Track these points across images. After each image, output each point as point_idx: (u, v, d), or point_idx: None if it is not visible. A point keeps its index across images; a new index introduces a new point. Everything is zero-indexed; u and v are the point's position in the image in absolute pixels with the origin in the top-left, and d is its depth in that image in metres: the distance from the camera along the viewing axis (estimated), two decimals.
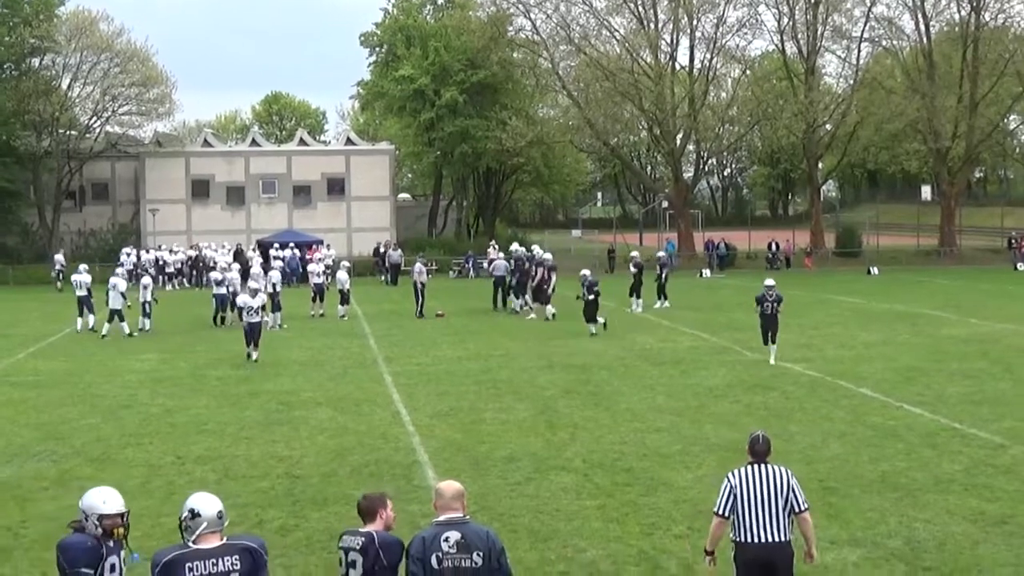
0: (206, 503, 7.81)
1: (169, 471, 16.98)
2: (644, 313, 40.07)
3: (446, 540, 7.97)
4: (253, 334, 29.01)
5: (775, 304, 27.87)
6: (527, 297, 40.11)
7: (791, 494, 9.59)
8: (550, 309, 37.91)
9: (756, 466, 9.74)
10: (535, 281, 39.38)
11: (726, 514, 9.63)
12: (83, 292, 37.50)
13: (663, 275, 42.40)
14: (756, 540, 9.47)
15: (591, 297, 33.83)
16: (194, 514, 7.73)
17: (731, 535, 9.71)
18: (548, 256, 40.70)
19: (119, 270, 42.05)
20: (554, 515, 14.33)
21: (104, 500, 8.12)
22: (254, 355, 28.75)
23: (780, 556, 9.49)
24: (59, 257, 61.06)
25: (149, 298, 37.34)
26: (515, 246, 45.30)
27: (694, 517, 13.97)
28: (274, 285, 38.48)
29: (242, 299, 30.22)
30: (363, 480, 16.19)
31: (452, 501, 8.21)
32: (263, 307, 30.07)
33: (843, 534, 13.30)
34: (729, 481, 9.69)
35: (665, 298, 41.90)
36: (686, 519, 13.98)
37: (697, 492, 15.08)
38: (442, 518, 8.15)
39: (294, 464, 17.35)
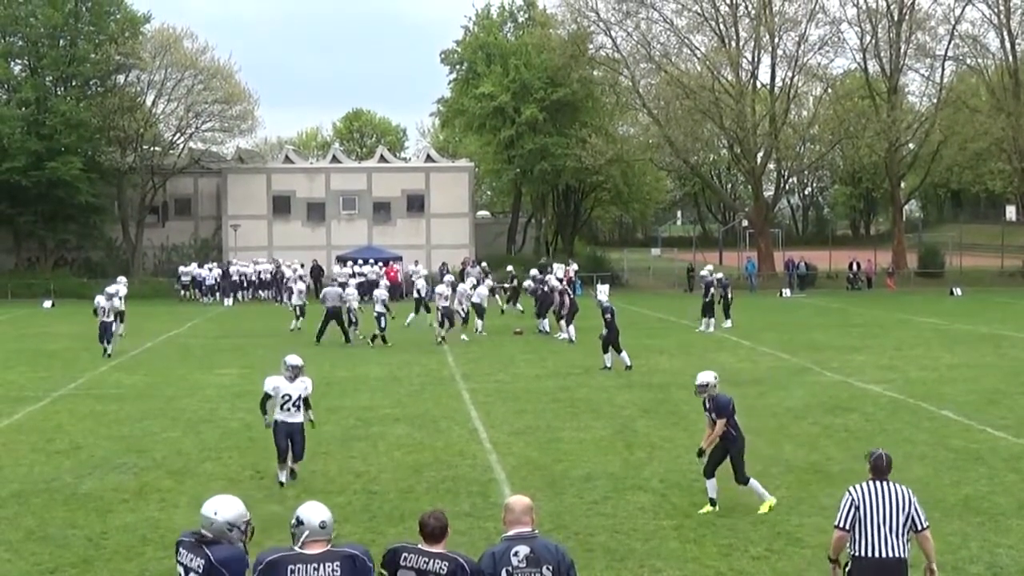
0: (310, 512, 7.99)
1: (248, 485, 17.08)
2: (714, 332, 39.89)
3: (516, 555, 8.01)
4: (294, 443, 17.43)
5: (711, 408, 15.64)
6: (562, 323, 39.53)
7: (913, 512, 9.73)
8: (571, 331, 37.59)
9: (878, 482, 9.87)
10: (556, 306, 38.94)
11: (847, 527, 9.74)
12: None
13: (726, 295, 42.03)
14: (875, 555, 9.60)
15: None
16: (298, 522, 7.94)
17: (849, 549, 9.79)
18: (555, 282, 40.13)
19: (122, 278, 44.96)
20: (631, 535, 14.26)
21: (240, 507, 8.28)
22: (283, 476, 17.34)
23: (898, 572, 9.64)
24: (186, 268, 62.67)
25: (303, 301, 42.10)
26: (533, 272, 45.34)
27: (772, 539, 13.85)
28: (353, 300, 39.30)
29: (272, 383, 17.51)
30: (440, 496, 16.21)
31: (521, 515, 8.23)
32: (306, 401, 17.64)
33: (923, 558, 13.07)
34: (851, 495, 9.82)
35: (711, 317, 41.34)
36: (764, 540, 13.85)
37: (775, 514, 14.93)
38: (511, 533, 8.19)
39: (371, 480, 17.41)
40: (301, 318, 42.27)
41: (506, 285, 55.65)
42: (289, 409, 17.21)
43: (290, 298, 49.56)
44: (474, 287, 41.27)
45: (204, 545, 8.02)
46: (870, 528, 9.61)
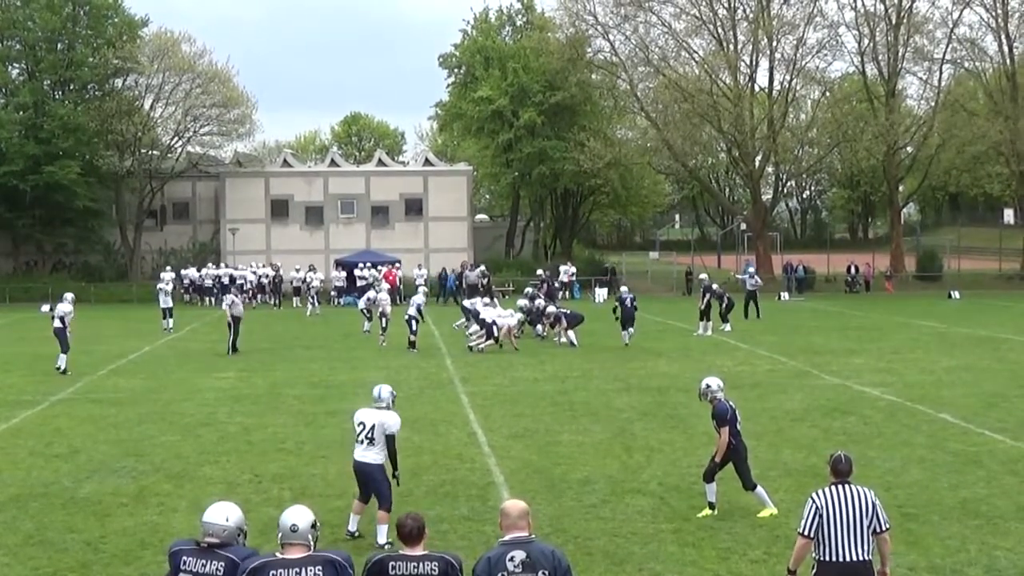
0: (286, 514, 8.12)
1: (246, 489, 17.08)
2: (711, 335, 39.88)
3: (511, 560, 8.00)
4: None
5: None
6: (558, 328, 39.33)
7: (875, 514, 9.72)
8: (572, 336, 37.56)
9: (840, 486, 9.87)
10: (551, 320, 38.86)
11: (811, 534, 9.74)
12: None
13: (722, 302, 41.97)
14: (840, 559, 9.59)
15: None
16: (278, 525, 8.08)
17: (813, 554, 9.80)
18: (552, 309, 39.91)
19: (165, 275, 47.83)
20: (629, 538, 14.25)
21: (241, 512, 8.44)
22: (384, 535, 13.86)
23: (863, 575, 9.61)
24: (210, 272, 63.71)
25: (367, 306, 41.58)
26: (528, 290, 45.26)
27: (771, 542, 13.84)
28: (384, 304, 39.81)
29: (398, 420, 14.44)
30: (438, 500, 16.21)
31: (518, 520, 8.22)
32: None
33: (922, 561, 13.10)
34: (814, 501, 9.80)
35: (709, 321, 41.24)
36: (763, 544, 13.84)
37: (774, 517, 14.91)
38: (507, 537, 8.19)
39: None
40: (369, 320, 41.77)
41: (508, 288, 55.91)
42: None
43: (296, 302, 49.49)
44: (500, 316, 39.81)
45: (218, 549, 8.11)
46: (834, 532, 9.60)
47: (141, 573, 13.14)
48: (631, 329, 37.72)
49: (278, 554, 7.96)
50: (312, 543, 8.01)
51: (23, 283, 67.91)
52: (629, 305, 37.71)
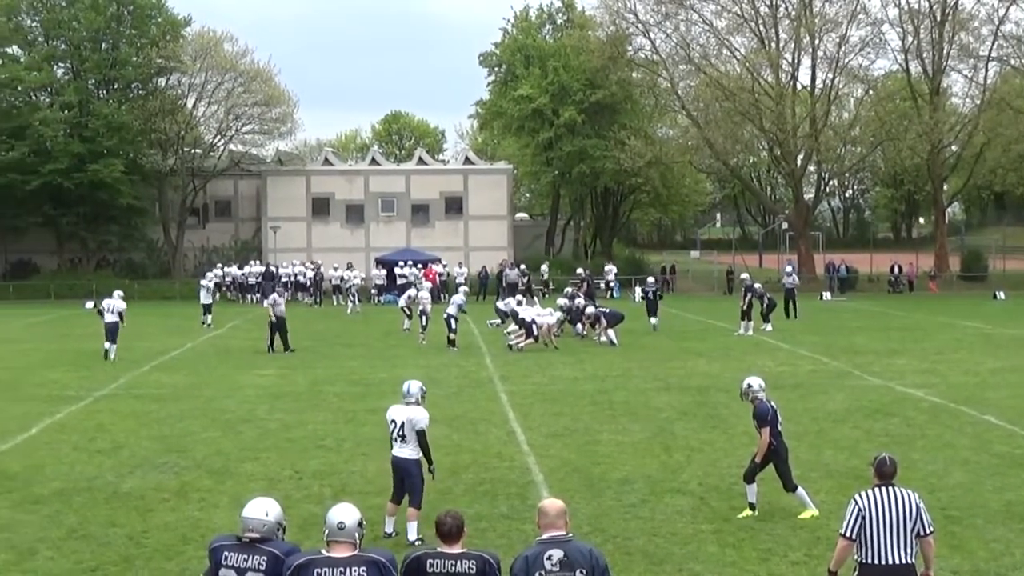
0: (333, 512, 8.14)
1: (287, 485, 17.13)
2: (752, 335, 39.60)
3: (549, 558, 8.01)
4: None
5: None
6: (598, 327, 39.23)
7: (918, 517, 9.62)
8: (611, 334, 37.37)
9: (884, 488, 9.77)
10: (591, 319, 38.73)
11: (853, 536, 9.66)
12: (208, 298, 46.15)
13: (762, 302, 41.62)
14: (882, 562, 9.50)
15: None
16: (324, 522, 8.10)
17: (856, 556, 9.72)
18: (591, 308, 39.61)
19: (210, 273, 50.39)
20: (669, 538, 14.20)
21: (280, 508, 8.53)
22: (415, 532, 14.11)
23: None
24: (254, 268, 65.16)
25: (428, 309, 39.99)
26: (567, 290, 45.15)
27: (812, 544, 13.75)
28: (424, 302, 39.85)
29: (427, 416, 14.48)
30: (478, 498, 16.20)
31: (555, 519, 8.24)
32: None
33: (966, 565, 12.98)
34: (857, 503, 9.71)
35: (750, 321, 40.86)
36: (804, 545, 13.76)
37: (816, 518, 14.82)
38: (545, 536, 8.20)
39: None
40: (409, 318, 41.66)
41: (545, 289, 55.73)
42: None
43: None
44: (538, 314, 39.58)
45: (259, 544, 8.15)
46: (877, 535, 9.52)
47: (183, 568, 13.21)
48: (656, 318, 42.19)
49: (323, 551, 7.99)
50: (358, 541, 8.05)
51: (68, 280, 68.56)
52: (652, 296, 42.93)
